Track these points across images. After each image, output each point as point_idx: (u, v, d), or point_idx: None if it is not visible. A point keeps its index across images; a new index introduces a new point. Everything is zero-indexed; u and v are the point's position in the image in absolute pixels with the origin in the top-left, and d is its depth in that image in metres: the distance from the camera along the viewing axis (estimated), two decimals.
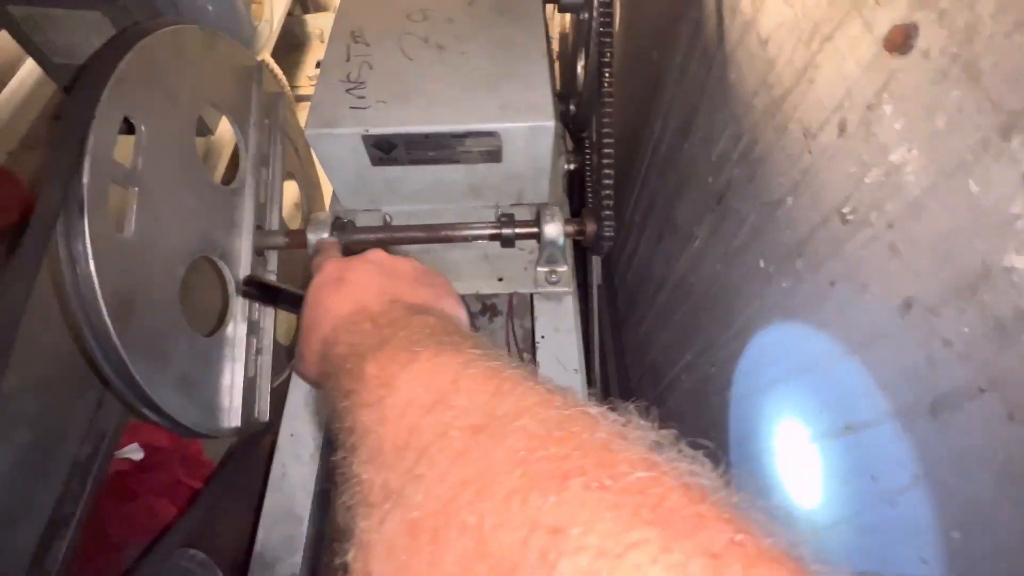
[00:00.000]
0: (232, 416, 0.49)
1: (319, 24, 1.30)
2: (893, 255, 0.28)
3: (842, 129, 0.32)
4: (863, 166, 0.30)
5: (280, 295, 0.44)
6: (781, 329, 0.40)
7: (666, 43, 0.67)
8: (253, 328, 0.54)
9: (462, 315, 0.32)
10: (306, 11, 1.34)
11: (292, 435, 0.49)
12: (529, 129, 0.51)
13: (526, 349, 0.69)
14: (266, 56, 0.86)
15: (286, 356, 0.61)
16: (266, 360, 0.56)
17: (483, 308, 0.74)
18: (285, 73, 1.04)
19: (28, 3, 0.51)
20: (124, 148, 0.39)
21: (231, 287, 0.51)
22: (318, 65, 1.30)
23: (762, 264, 0.43)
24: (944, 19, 0.24)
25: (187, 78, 0.46)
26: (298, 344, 0.34)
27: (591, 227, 0.54)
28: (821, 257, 0.35)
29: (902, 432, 0.28)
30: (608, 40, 0.55)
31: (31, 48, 0.54)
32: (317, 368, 0.30)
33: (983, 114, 0.22)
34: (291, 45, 1.28)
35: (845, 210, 0.32)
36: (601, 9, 0.56)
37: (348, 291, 0.31)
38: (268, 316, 0.57)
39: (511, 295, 0.71)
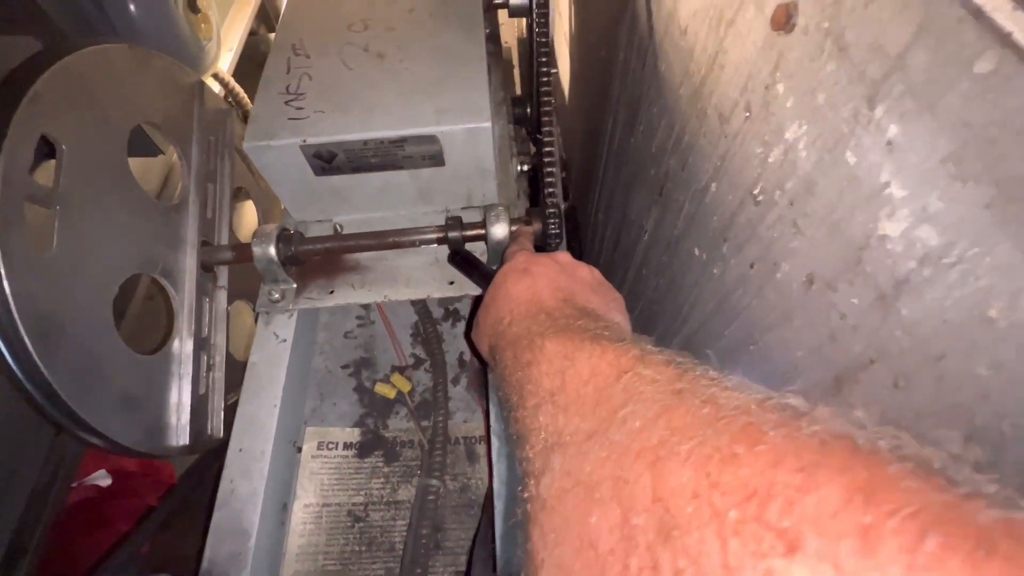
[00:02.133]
0: (180, 434, 0.49)
1: None
2: (796, 232, 0.28)
3: (748, 111, 0.32)
4: (766, 146, 0.30)
5: (477, 270, 0.53)
6: (716, 316, 0.40)
7: (611, 41, 0.68)
8: (203, 344, 0.54)
9: (628, 328, 0.34)
10: (270, 29, 1.34)
11: (241, 450, 0.49)
12: (466, 131, 0.51)
13: None
14: (222, 72, 0.87)
15: (241, 372, 0.61)
16: (219, 376, 0.56)
17: (445, 313, 0.74)
18: (250, 90, 1.04)
19: None
20: (47, 169, 0.39)
21: (175, 303, 0.51)
22: None
23: (696, 252, 0.43)
24: None
25: (117, 97, 0.46)
26: (477, 315, 0.40)
27: (536, 226, 0.54)
28: (741, 240, 0.35)
29: None
30: (544, 41, 0.55)
31: None
32: (488, 340, 0.35)
33: (852, 85, 0.23)
34: (256, 63, 1.28)
35: (755, 191, 0.32)
36: (538, 11, 0.57)
37: (529, 282, 0.36)
38: (220, 332, 0.57)
39: (474, 299, 0.71)
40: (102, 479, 0.82)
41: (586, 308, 0.32)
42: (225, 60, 1.03)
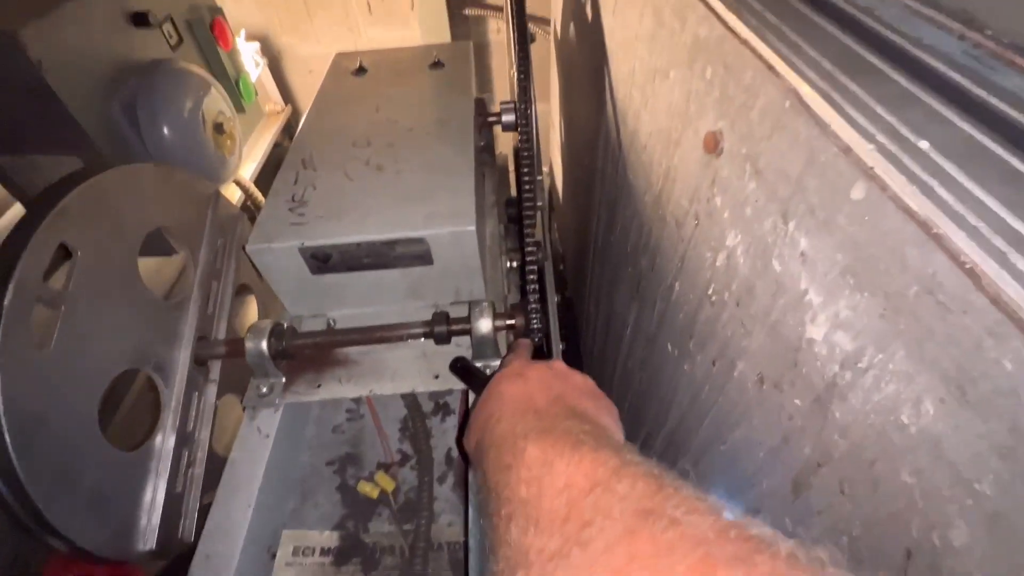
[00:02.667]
0: (147, 537, 0.47)
1: None
2: (745, 332, 0.30)
3: (697, 220, 0.35)
4: (714, 251, 0.33)
5: (476, 378, 0.52)
6: (691, 412, 0.40)
7: (592, 150, 0.75)
8: (187, 439, 0.54)
9: (619, 435, 0.34)
10: (292, 141, 1.50)
11: (208, 556, 0.46)
12: (451, 234, 0.55)
13: None
14: (243, 179, 0.96)
15: (223, 468, 0.59)
16: (197, 474, 0.55)
17: (435, 408, 0.73)
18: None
19: (14, 152, 0.58)
20: (61, 270, 0.43)
21: (164, 397, 0.52)
22: None
23: (669, 348, 0.44)
24: (734, 126, 0.28)
25: (136, 209, 0.51)
26: (470, 417, 0.39)
27: (519, 321, 0.56)
28: (703, 338, 0.36)
29: (775, 515, 0.27)
30: (527, 154, 0.62)
31: (15, 191, 0.61)
32: (476, 437, 0.35)
33: (770, 202, 0.25)
34: (278, 170, 1.41)
35: (710, 292, 0.34)
36: (521, 128, 0.64)
37: (522, 383, 0.36)
38: (205, 427, 0.57)
39: (463, 393, 0.70)
40: None
41: (576, 408, 0.32)
42: (248, 168, 1.14)
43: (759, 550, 0.16)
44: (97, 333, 0.44)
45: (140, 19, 0.66)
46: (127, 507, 0.46)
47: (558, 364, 0.41)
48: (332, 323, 0.64)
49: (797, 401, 0.24)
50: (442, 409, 0.73)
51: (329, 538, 0.61)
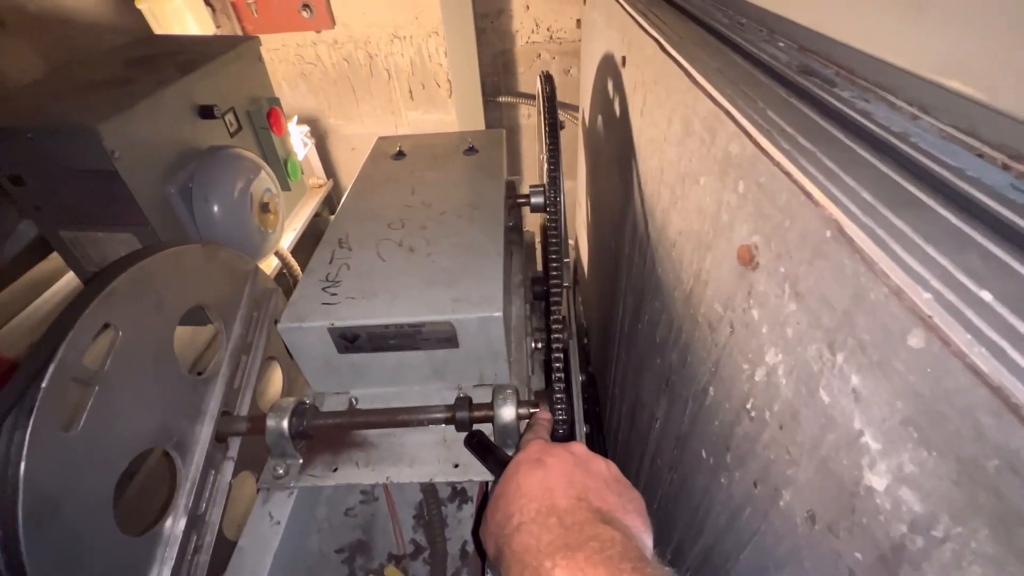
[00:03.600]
0: None
1: None
2: (791, 460, 0.27)
3: (731, 328, 0.34)
4: (751, 364, 0.31)
5: (492, 455, 0.51)
6: (729, 533, 0.37)
7: (619, 236, 0.75)
8: (196, 522, 0.52)
9: (647, 539, 0.32)
10: (332, 212, 1.58)
11: None
12: (479, 319, 0.55)
13: None
14: (282, 250, 1.00)
15: (230, 554, 0.57)
16: (203, 560, 0.53)
17: (453, 493, 0.70)
18: (305, 261, 1.19)
19: (76, 228, 0.62)
20: (99, 346, 0.44)
21: (180, 476, 0.51)
22: None
23: (704, 454, 0.41)
24: (771, 243, 0.28)
25: (179, 288, 0.53)
26: (486, 510, 0.38)
27: (543, 410, 0.54)
28: (743, 453, 0.34)
29: None
30: (555, 239, 0.63)
31: (72, 262, 0.65)
32: (495, 541, 0.33)
33: (813, 328, 0.24)
34: (316, 239, 1.48)
35: (748, 406, 0.32)
36: (550, 211, 0.65)
37: (542, 475, 0.35)
38: (217, 507, 0.55)
39: (481, 485, 0.67)
40: None
41: (601, 510, 0.31)
42: (288, 238, 1.19)
43: None
44: (126, 411, 0.45)
45: (206, 112, 0.73)
46: None
47: (578, 448, 0.39)
48: (354, 401, 0.63)
49: (858, 555, 0.22)
50: (459, 495, 0.70)
51: None
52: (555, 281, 0.59)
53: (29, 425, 0.35)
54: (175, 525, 0.49)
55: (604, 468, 0.37)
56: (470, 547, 0.63)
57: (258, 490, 0.55)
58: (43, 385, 0.37)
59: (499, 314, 0.55)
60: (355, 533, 0.66)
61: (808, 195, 0.24)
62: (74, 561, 0.39)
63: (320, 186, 1.45)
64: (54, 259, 0.78)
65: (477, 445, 0.53)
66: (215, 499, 0.55)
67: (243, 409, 0.61)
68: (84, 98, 0.64)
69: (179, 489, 0.50)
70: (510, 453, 0.49)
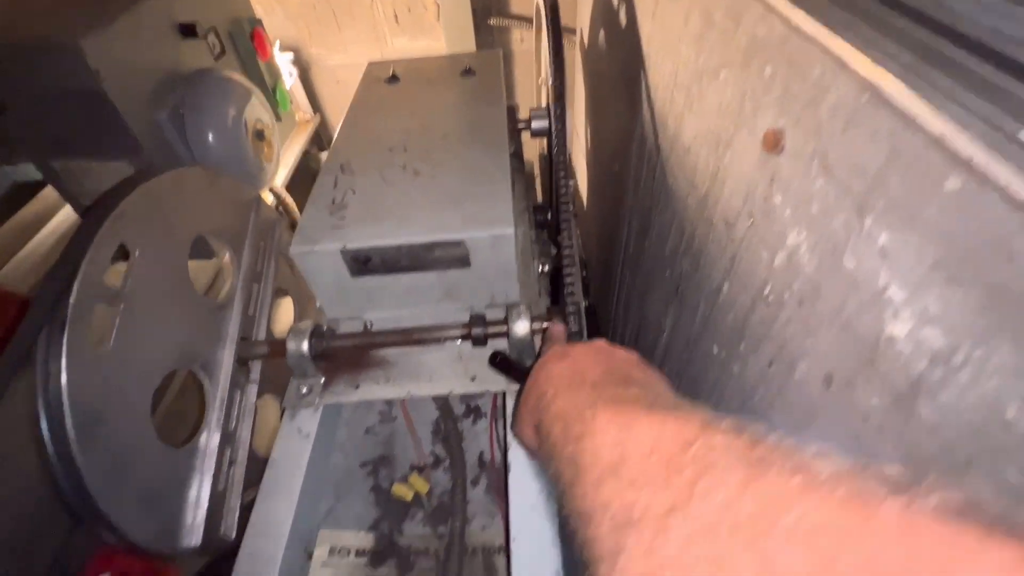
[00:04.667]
0: (194, 534, 0.48)
1: None
2: (808, 332, 0.29)
3: (751, 219, 0.35)
4: (771, 250, 0.32)
5: (516, 370, 0.54)
6: (741, 416, 0.39)
7: (623, 157, 0.75)
8: (229, 438, 0.55)
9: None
10: (321, 149, 1.53)
11: (251, 554, 0.47)
12: (491, 237, 0.55)
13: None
14: (276, 187, 0.98)
15: (260, 469, 0.60)
16: (239, 472, 0.55)
17: (467, 410, 0.73)
18: (299, 198, 1.16)
19: (67, 157, 0.60)
20: (118, 271, 0.44)
21: (209, 395, 0.53)
22: None
23: (715, 350, 0.43)
24: (799, 123, 0.28)
25: (185, 211, 0.52)
26: (516, 406, 0.40)
27: (556, 323, 0.55)
28: (758, 339, 0.36)
29: None
30: (561, 159, 0.62)
31: (67, 195, 0.63)
32: (532, 420, 0.35)
33: (841, 199, 0.25)
34: (306, 176, 1.44)
35: (765, 292, 0.34)
36: (556, 133, 0.64)
37: (569, 361, 0.36)
38: (246, 426, 0.58)
39: (495, 396, 0.70)
40: None
41: (631, 377, 0.32)
42: (280, 175, 1.16)
43: (908, 488, 0.15)
44: (150, 332, 0.45)
45: (187, 30, 0.69)
46: (175, 503, 0.47)
47: (599, 342, 0.40)
48: (369, 326, 0.64)
49: (875, 400, 0.24)
50: (473, 412, 0.73)
51: (364, 539, 0.61)
52: (562, 178, 0.59)
53: (64, 340, 0.36)
54: (210, 440, 0.52)
55: (626, 354, 0.38)
56: (487, 456, 0.67)
57: (283, 409, 0.58)
58: (71, 301, 0.37)
59: (511, 231, 0.55)
60: (376, 449, 0.69)
61: (844, 64, 0.24)
62: (124, 469, 0.41)
63: (308, 121, 1.40)
64: (48, 195, 0.76)
65: (501, 363, 0.55)
66: (243, 418, 0.57)
67: (259, 335, 0.62)
68: (58, 12, 0.60)
69: (209, 407, 0.52)
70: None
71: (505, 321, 0.56)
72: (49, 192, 0.80)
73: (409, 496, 0.64)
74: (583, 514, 0.22)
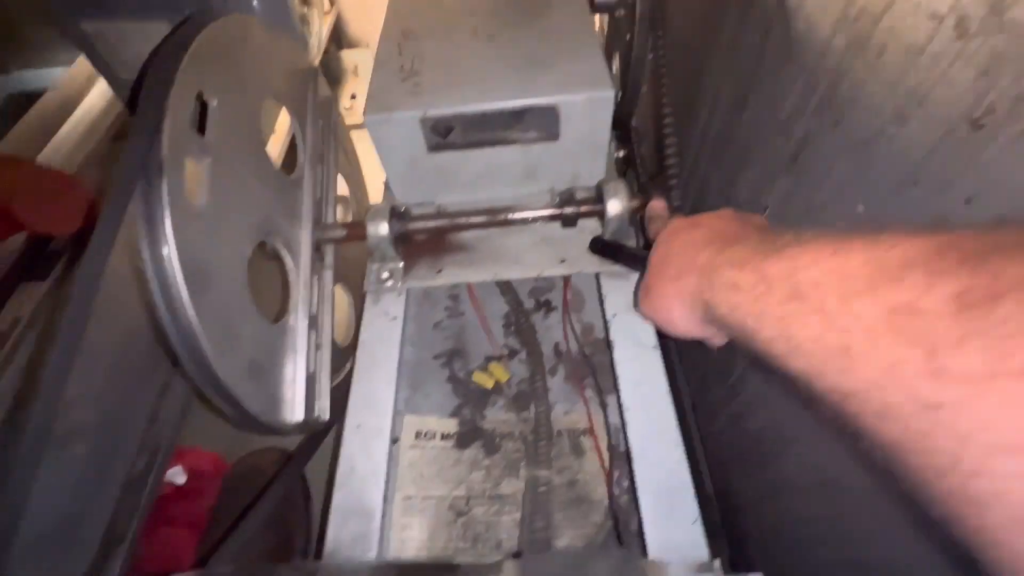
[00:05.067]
0: (295, 410, 0.47)
1: (353, 59, 1.36)
2: None
3: (962, 30, 0.30)
4: (998, 60, 0.28)
5: (623, 252, 0.50)
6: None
7: (708, 28, 0.67)
8: (313, 322, 0.53)
9: None
10: (340, 47, 1.40)
11: (359, 426, 0.46)
12: (589, 100, 0.50)
13: (585, 343, 0.66)
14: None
15: (342, 359, 0.59)
16: (325, 356, 0.54)
17: (537, 304, 0.72)
18: None
19: (99, 18, 0.53)
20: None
21: (292, 275, 0.50)
22: (353, 97, 1.35)
23: (861, 209, 0.40)
24: None
25: (253, 65, 0.46)
26: (644, 283, 0.38)
27: (657, 200, 0.51)
28: (950, 175, 0.32)
29: None
30: (660, 33, 0.55)
31: (101, 65, 0.57)
32: (678, 295, 0.33)
33: None
34: (327, 78, 1.34)
35: (976, 115, 0.29)
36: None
37: (704, 230, 0.33)
38: (327, 312, 0.56)
39: (566, 287, 0.68)
40: (178, 476, 0.81)
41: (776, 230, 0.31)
42: None
43: None
44: (238, 193, 0.41)
45: None
46: (276, 379, 0.45)
47: (725, 210, 0.37)
48: (438, 211, 0.61)
49: None
50: (544, 306, 0.71)
51: (448, 424, 0.61)
52: (661, 53, 0.52)
53: (164, 184, 0.32)
54: (298, 321, 0.49)
55: (758, 218, 0.37)
56: (563, 347, 0.66)
57: (366, 293, 0.55)
58: (164, 142, 0.33)
59: (611, 93, 0.49)
60: (447, 343, 0.68)
61: None
62: (233, 338, 0.39)
63: (326, 13, 1.27)
64: (76, 77, 0.69)
65: (605, 247, 0.52)
66: (323, 304, 0.55)
67: (327, 219, 0.58)
68: None
69: (293, 289, 0.50)
70: (644, 249, 0.47)
71: (599, 199, 0.52)
72: (74, 76, 0.73)
73: (490, 384, 0.63)
74: (842, 349, 0.19)
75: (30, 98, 1.48)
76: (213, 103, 0.39)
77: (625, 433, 0.45)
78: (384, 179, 0.64)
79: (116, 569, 0.54)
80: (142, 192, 0.33)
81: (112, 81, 0.60)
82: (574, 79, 0.50)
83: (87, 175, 0.65)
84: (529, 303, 0.72)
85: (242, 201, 0.42)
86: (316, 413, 0.52)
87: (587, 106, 0.50)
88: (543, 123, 0.52)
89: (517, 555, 0.31)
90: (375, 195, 0.68)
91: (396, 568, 0.30)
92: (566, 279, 0.69)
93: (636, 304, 0.43)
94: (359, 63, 1.37)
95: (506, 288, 0.70)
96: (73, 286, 0.29)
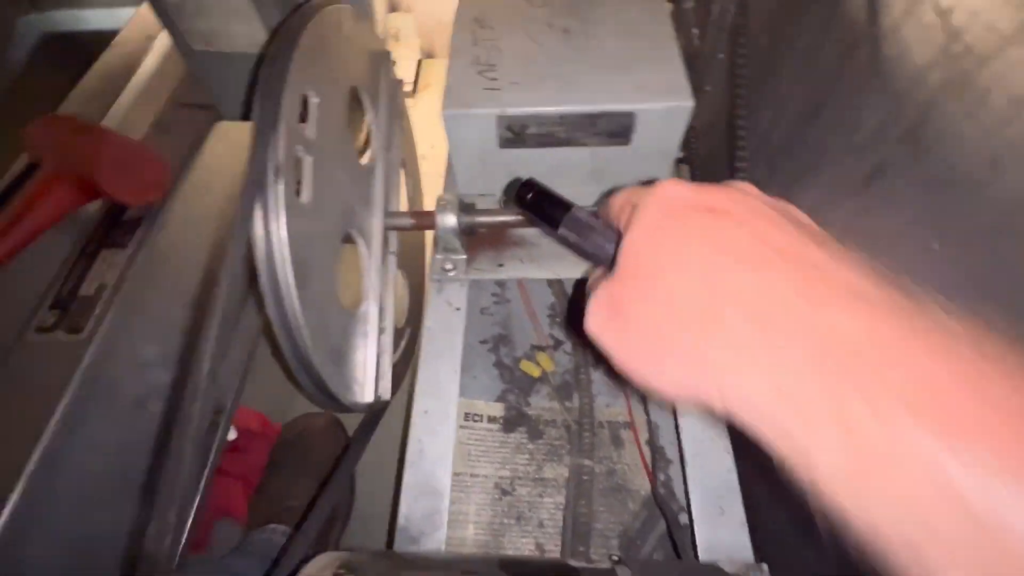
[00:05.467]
0: (366, 391, 0.50)
1: (395, 24, 1.33)
2: None
3: None
4: None
5: (559, 206, 0.31)
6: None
7: (781, 30, 0.65)
8: (382, 308, 0.55)
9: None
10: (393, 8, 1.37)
11: (426, 412, 0.49)
12: (666, 110, 0.50)
13: None
14: None
15: (396, 339, 0.61)
16: (388, 339, 0.57)
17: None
18: None
19: None
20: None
21: (365, 263, 0.52)
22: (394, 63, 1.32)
23: (936, 247, 0.41)
24: None
25: (342, 55, 0.47)
26: (614, 315, 0.21)
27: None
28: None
29: None
30: (742, 39, 0.54)
31: (176, 35, 0.57)
32: (712, 381, 0.18)
33: None
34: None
35: None
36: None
37: (737, 231, 0.18)
38: (390, 297, 0.58)
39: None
40: (230, 432, 0.86)
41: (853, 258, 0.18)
42: None
43: None
44: (332, 188, 0.43)
45: None
46: (351, 361, 0.48)
47: (746, 186, 0.22)
48: (502, 204, 0.62)
49: None
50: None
51: (495, 408, 0.65)
52: (742, 58, 0.52)
53: (280, 187, 0.34)
54: (369, 307, 0.52)
55: (813, 225, 0.22)
56: None
57: (430, 281, 0.57)
58: (280, 144, 0.34)
59: (690, 104, 0.50)
60: (494, 329, 0.71)
61: None
62: (324, 327, 0.41)
63: None
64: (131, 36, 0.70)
65: (535, 199, 0.32)
66: (387, 287, 0.57)
67: (392, 207, 0.60)
68: None
69: (366, 275, 0.52)
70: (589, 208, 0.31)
71: None
72: (133, 34, 0.73)
73: (537, 372, 0.66)
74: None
75: (65, 38, 1.45)
76: (314, 99, 0.40)
77: (679, 436, 0.47)
78: (444, 169, 0.65)
79: (191, 516, 0.59)
80: (260, 196, 0.34)
81: (184, 51, 0.60)
82: (653, 86, 0.51)
83: (154, 142, 0.66)
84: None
85: (334, 193, 0.44)
86: (379, 393, 0.55)
87: (664, 115, 0.51)
88: (616, 127, 0.52)
89: (618, 561, 0.34)
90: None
91: (516, 564, 0.33)
92: None
93: (587, 323, 0.23)
94: (400, 27, 1.34)
95: (553, 280, 0.72)
96: (221, 282, 0.31)
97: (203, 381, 0.30)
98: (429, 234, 0.59)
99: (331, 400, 0.45)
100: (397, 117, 0.63)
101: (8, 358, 0.49)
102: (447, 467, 0.46)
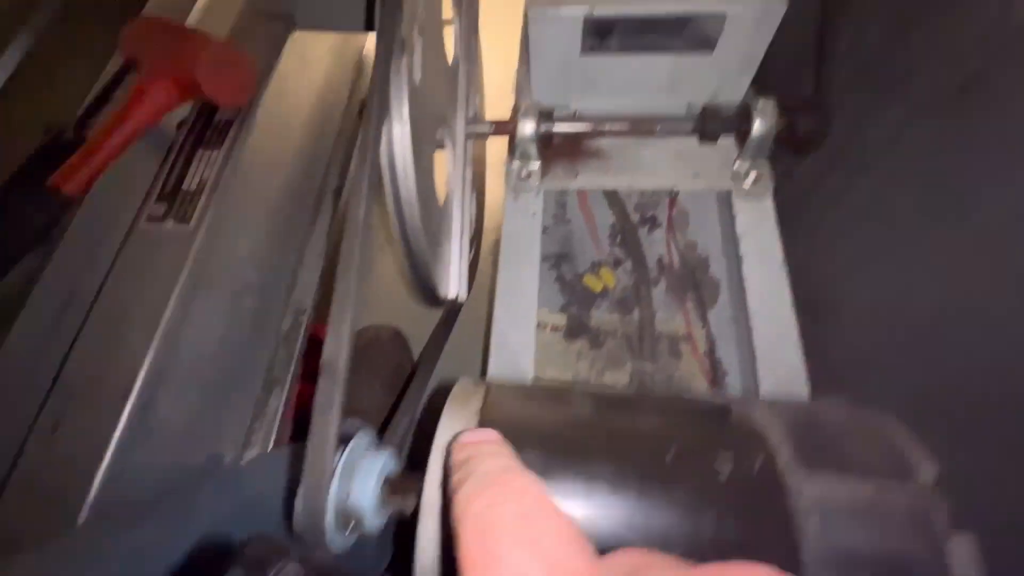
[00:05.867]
0: (451, 287, 0.53)
1: None
2: None
3: None
4: None
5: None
6: None
7: None
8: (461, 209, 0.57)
9: None
10: None
11: (508, 309, 0.52)
12: (761, 10, 0.49)
13: (688, 259, 0.70)
14: None
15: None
16: (465, 243, 0.59)
17: (642, 219, 0.75)
18: None
19: None
20: None
21: (450, 164, 0.54)
22: None
23: None
24: None
25: None
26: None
27: (806, 122, 0.52)
28: None
29: None
30: None
31: None
32: None
33: None
34: None
35: None
36: None
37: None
38: (467, 202, 0.60)
39: (671, 205, 0.71)
40: None
41: None
42: None
43: None
44: (431, 78, 0.44)
45: None
46: (442, 256, 0.51)
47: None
48: (576, 116, 0.62)
49: None
50: (649, 221, 0.75)
51: (557, 318, 0.68)
52: None
53: (403, 62, 0.35)
54: (453, 207, 0.54)
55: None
56: (666, 260, 0.70)
57: (507, 190, 0.59)
58: (402, 33, 0.35)
59: (782, 6, 0.49)
60: (555, 246, 0.73)
61: None
62: (427, 208, 0.44)
63: None
64: None
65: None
66: (466, 193, 0.59)
67: (470, 114, 0.61)
68: None
69: (453, 176, 0.54)
70: None
71: (744, 116, 0.53)
72: None
73: (599, 287, 0.68)
74: None
75: None
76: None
77: (750, 338, 0.50)
78: (515, 78, 0.65)
79: (277, 405, 0.64)
80: (381, 69, 0.36)
81: None
82: None
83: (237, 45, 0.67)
84: (635, 217, 0.75)
85: (433, 85, 0.45)
86: (458, 291, 0.59)
87: (756, 17, 0.50)
88: (702, 32, 0.52)
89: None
90: None
91: (676, 402, 0.35)
92: (672, 197, 0.71)
93: None
94: None
95: (614, 200, 0.73)
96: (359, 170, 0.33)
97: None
98: (491, 148, 0.60)
99: (429, 292, 0.48)
100: (474, 28, 0.63)
101: (125, 245, 0.53)
102: (529, 358, 0.50)
